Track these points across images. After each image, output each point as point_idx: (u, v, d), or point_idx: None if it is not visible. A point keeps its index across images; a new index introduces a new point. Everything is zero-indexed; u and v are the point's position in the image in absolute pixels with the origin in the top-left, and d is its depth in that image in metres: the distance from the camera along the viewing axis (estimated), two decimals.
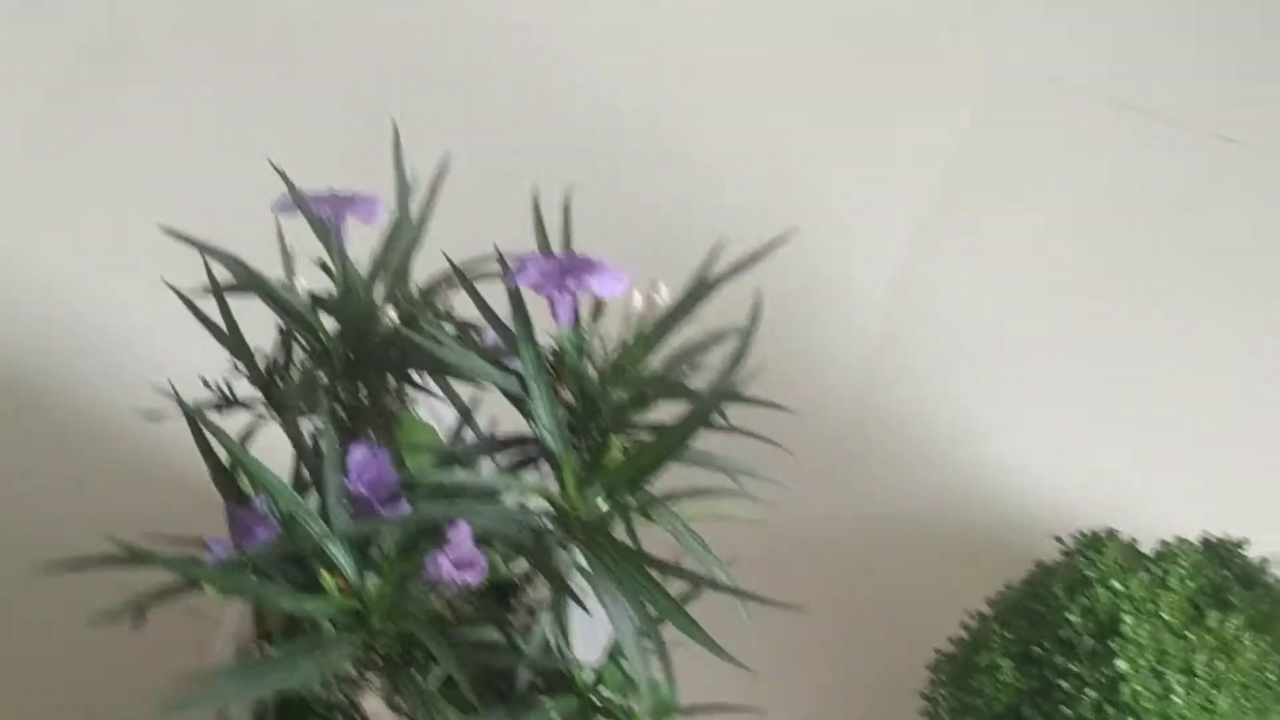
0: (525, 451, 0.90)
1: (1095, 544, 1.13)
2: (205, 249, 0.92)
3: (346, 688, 0.92)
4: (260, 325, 0.96)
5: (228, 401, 0.97)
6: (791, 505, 0.99)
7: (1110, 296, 1.38)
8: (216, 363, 0.97)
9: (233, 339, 0.97)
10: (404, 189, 0.95)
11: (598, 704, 1.02)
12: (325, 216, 0.94)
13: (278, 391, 0.98)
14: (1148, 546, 1.14)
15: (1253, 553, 1.14)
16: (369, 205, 0.94)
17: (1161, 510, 1.27)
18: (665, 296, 0.87)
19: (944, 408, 1.33)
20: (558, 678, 1.04)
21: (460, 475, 0.86)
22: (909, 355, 1.34)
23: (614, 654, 1.02)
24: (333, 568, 0.85)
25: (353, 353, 0.90)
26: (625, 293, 0.87)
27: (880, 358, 1.30)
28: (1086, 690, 1.06)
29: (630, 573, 0.83)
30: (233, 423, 0.94)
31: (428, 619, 0.84)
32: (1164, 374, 1.36)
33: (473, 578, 0.86)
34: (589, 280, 0.85)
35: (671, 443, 0.84)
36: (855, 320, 1.33)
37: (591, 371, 0.88)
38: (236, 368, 0.98)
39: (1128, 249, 1.40)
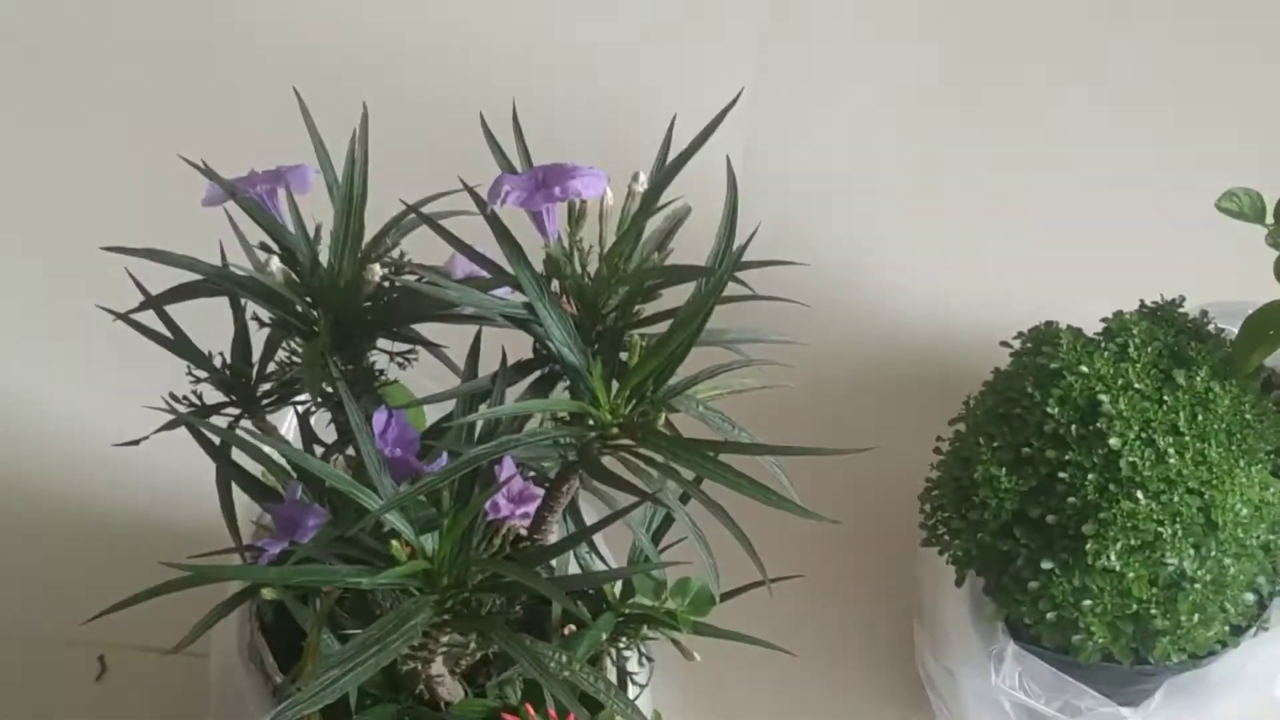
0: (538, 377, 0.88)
1: (1048, 337, 1.15)
2: (156, 256, 0.88)
3: (414, 657, 0.90)
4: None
5: (202, 410, 0.94)
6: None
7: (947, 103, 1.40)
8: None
9: (189, 347, 0.94)
10: (323, 152, 0.92)
11: (638, 614, 1.02)
12: (257, 196, 0.91)
13: (248, 389, 0.95)
14: (1087, 330, 1.17)
15: (1188, 308, 1.17)
16: (300, 174, 0.91)
17: (1077, 296, 1.28)
18: (644, 184, 0.86)
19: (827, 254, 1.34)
20: (590, 600, 1.04)
21: (486, 412, 0.85)
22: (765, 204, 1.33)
23: (635, 560, 1.02)
24: (393, 537, 0.83)
25: (338, 322, 0.87)
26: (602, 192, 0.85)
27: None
28: (1087, 475, 1.08)
29: (694, 458, 0.82)
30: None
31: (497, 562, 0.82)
32: (1029, 163, 1.38)
33: (531, 509, 0.84)
34: (572, 185, 0.83)
35: (694, 323, 0.83)
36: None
37: (587, 278, 0.87)
38: (192, 373, 0.95)
39: (966, 41, 1.41)
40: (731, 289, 0.85)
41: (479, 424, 0.86)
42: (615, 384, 0.85)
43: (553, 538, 0.98)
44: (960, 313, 1.36)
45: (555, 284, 0.87)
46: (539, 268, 0.86)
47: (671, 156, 0.87)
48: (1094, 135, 1.47)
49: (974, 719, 1.18)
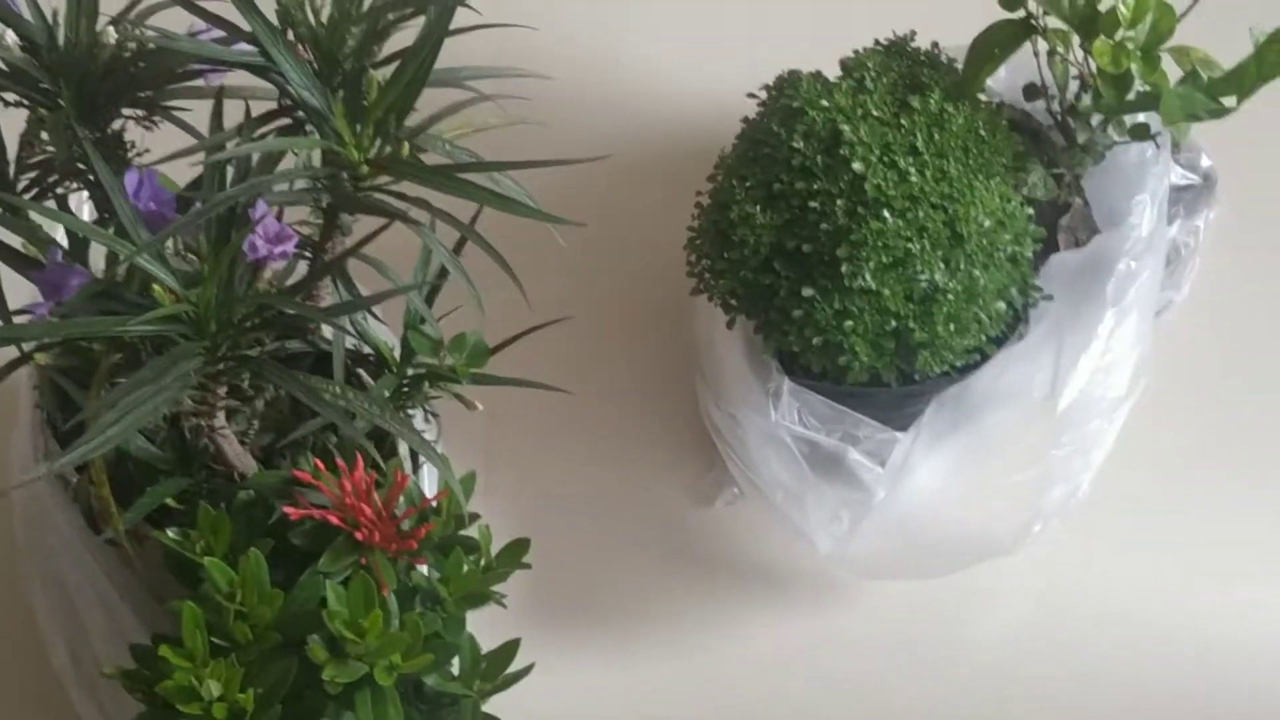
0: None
1: (790, 82, 1.19)
2: None
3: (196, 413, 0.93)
4: None
5: None
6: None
7: None
8: None
9: None
10: None
11: (420, 374, 1.05)
12: None
13: (6, 181, 0.96)
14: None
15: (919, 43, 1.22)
16: None
17: (816, 50, 1.32)
18: None
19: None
20: (368, 363, 1.07)
21: (232, 150, 0.87)
22: None
23: (410, 324, 1.05)
24: (152, 284, 0.85)
25: (80, 93, 0.89)
26: None
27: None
28: (836, 202, 1.13)
29: (439, 178, 0.85)
30: None
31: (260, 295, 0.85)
32: None
33: (289, 248, 0.87)
34: None
35: (424, 51, 0.86)
36: None
37: (320, 25, 0.89)
38: None
39: None
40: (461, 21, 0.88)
41: (230, 173, 0.88)
42: (359, 128, 0.88)
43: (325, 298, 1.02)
44: (710, 83, 1.41)
45: (290, 34, 0.89)
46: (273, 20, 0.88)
47: None
48: None
49: (760, 460, 1.23)
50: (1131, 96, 1.15)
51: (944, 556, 1.23)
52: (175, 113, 0.93)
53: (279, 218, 0.87)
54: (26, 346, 0.91)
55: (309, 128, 0.89)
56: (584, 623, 1.29)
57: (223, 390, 0.91)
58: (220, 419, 0.94)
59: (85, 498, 1.09)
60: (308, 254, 0.98)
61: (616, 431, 1.33)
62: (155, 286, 0.83)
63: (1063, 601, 1.27)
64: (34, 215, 0.88)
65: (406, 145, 0.86)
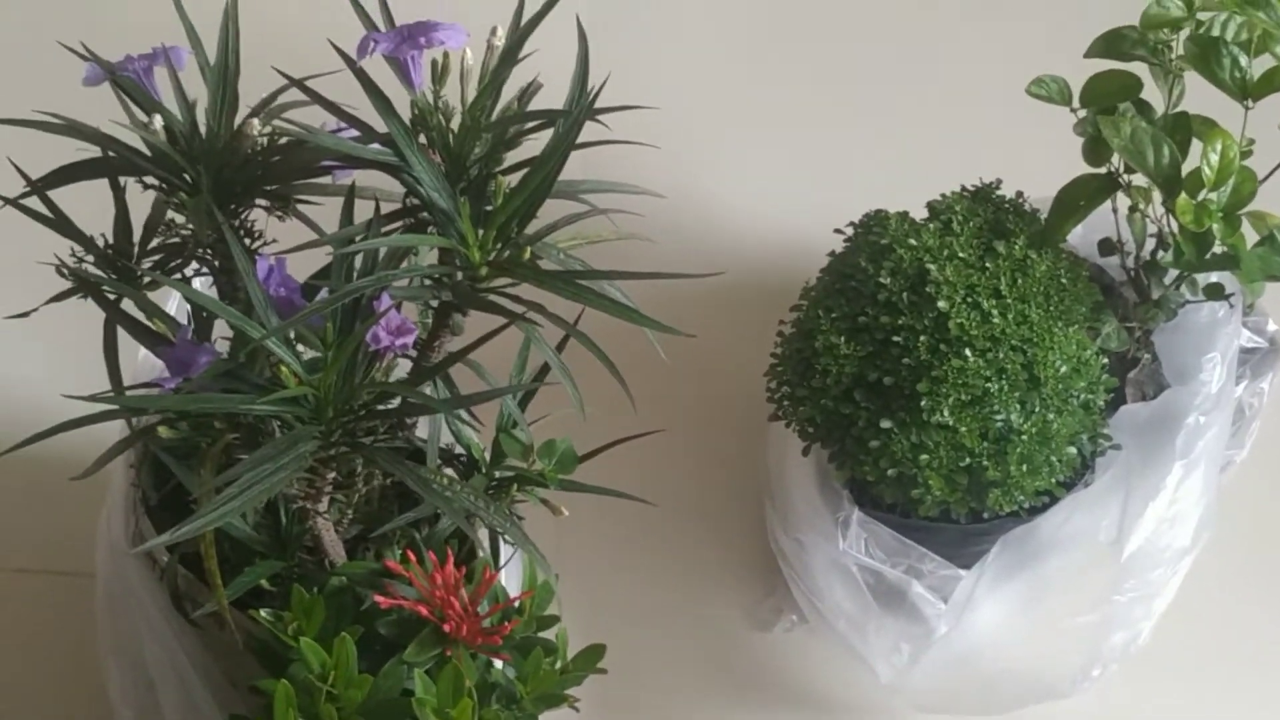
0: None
1: (877, 220, 1.23)
2: (38, 125, 0.93)
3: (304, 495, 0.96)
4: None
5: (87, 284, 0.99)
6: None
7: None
8: None
9: (72, 228, 0.99)
10: (194, 35, 0.98)
11: (508, 476, 1.08)
12: (134, 74, 0.96)
13: (131, 266, 1.00)
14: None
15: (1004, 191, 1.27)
16: (175, 52, 0.97)
17: (901, 191, 1.36)
18: (502, 39, 0.93)
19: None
20: (457, 464, 1.10)
21: (361, 244, 0.90)
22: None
23: (503, 426, 1.08)
24: (278, 367, 0.88)
25: (219, 180, 0.93)
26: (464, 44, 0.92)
27: None
28: (919, 338, 1.16)
29: (558, 283, 0.89)
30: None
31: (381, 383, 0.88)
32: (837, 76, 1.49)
33: (409, 340, 0.90)
34: (435, 35, 0.90)
35: (551, 161, 0.90)
36: None
37: (451, 131, 0.93)
38: (75, 254, 0.99)
39: None
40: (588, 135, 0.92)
41: (358, 264, 0.92)
42: (481, 231, 0.92)
43: None
44: (795, 219, 1.45)
45: (422, 137, 0.93)
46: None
47: (527, 16, 0.94)
48: (916, 52, 1.58)
49: (824, 587, 1.26)
50: (1209, 256, 1.19)
51: (1002, 695, 1.25)
52: (302, 207, 0.97)
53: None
54: (144, 419, 0.95)
55: (431, 229, 0.92)
56: None
57: (331, 475, 0.94)
58: (324, 504, 0.96)
59: (173, 579, 1.12)
60: (413, 353, 1.01)
61: (683, 548, 1.36)
62: (282, 368, 0.87)
63: None
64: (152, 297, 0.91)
65: (528, 250, 0.90)
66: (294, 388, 0.87)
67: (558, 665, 1.05)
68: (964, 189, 1.26)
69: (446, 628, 0.99)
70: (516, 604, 1.04)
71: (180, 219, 0.96)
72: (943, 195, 1.24)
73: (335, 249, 0.89)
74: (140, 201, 1.01)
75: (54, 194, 0.99)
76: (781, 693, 1.33)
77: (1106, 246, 1.30)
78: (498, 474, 1.08)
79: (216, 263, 0.97)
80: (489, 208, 0.92)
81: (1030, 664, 1.24)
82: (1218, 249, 1.19)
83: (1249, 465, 1.40)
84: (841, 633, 1.25)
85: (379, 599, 1.00)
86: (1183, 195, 1.16)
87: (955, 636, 1.22)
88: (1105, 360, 1.22)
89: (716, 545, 1.37)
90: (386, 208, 0.94)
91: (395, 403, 0.95)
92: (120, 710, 1.20)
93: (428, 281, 0.92)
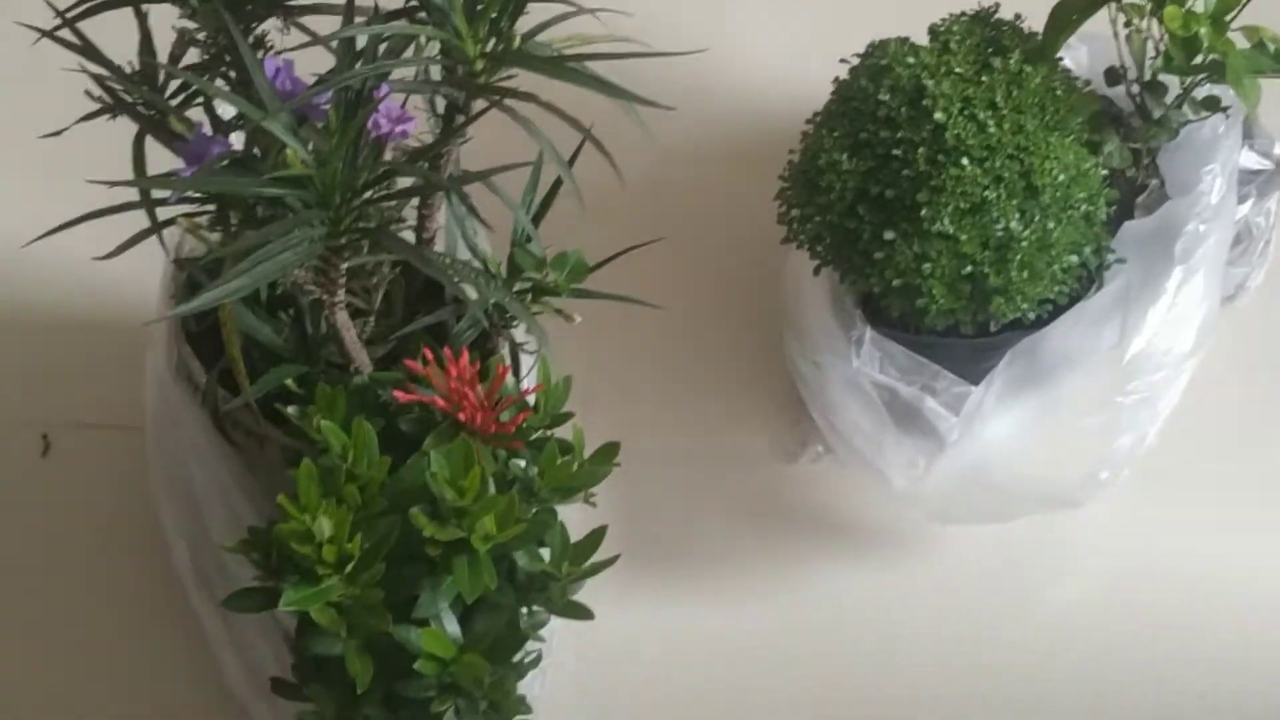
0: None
1: (880, 46, 1.27)
2: None
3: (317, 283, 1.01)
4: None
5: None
6: None
7: None
8: None
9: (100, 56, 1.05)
10: None
11: (525, 287, 1.13)
12: None
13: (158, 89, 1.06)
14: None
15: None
16: None
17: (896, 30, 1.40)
18: None
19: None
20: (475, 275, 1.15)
21: (362, 27, 0.95)
22: None
23: (517, 241, 1.13)
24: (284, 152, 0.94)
25: None
26: None
27: None
28: (917, 150, 1.21)
29: (549, 65, 0.94)
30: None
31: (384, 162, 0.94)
32: None
33: (409, 127, 0.96)
34: None
35: None
36: None
37: None
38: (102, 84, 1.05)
39: None
40: None
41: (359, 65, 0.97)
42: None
43: (440, 214, 1.10)
44: (803, 61, 1.50)
45: None
46: None
47: None
48: None
49: (841, 406, 1.30)
50: (1201, 62, 1.22)
51: (1014, 501, 1.29)
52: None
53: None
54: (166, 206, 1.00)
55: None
56: (664, 558, 1.35)
57: (344, 266, 0.99)
58: (340, 295, 1.02)
59: (212, 400, 1.18)
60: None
61: (708, 383, 1.41)
62: (289, 151, 0.92)
63: (1133, 557, 1.33)
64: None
65: (518, 38, 0.95)
66: (297, 168, 0.93)
67: (574, 462, 1.11)
68: (963, 13, 1.29)
69: (462, 416, 1.05)
70: (531, 397, 1.09)
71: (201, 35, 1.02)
72: (942, 19, 1.28)
73: (338, 35, 0.95)
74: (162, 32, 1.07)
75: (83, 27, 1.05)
76: (808, 518, 1.38)
77: (1112, 75, 1.33)
78: (515, 286, 1.14)
79: (233, 74, 1.02)
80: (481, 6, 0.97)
81: (1041, 469, 1.28)
82: (1209, 58, 1.22)
83: (1265, 291, 1.43)
84: (858, 449, 1.29)
85: (398, 394, 1.06)
86: (1170, 4, 1.20)
87: (966, 445, 1.27)
88: (1106, 173, 1.25)
89: (741, 379, 1.42)
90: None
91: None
92: (174, 539, 1.27)
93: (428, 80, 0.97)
